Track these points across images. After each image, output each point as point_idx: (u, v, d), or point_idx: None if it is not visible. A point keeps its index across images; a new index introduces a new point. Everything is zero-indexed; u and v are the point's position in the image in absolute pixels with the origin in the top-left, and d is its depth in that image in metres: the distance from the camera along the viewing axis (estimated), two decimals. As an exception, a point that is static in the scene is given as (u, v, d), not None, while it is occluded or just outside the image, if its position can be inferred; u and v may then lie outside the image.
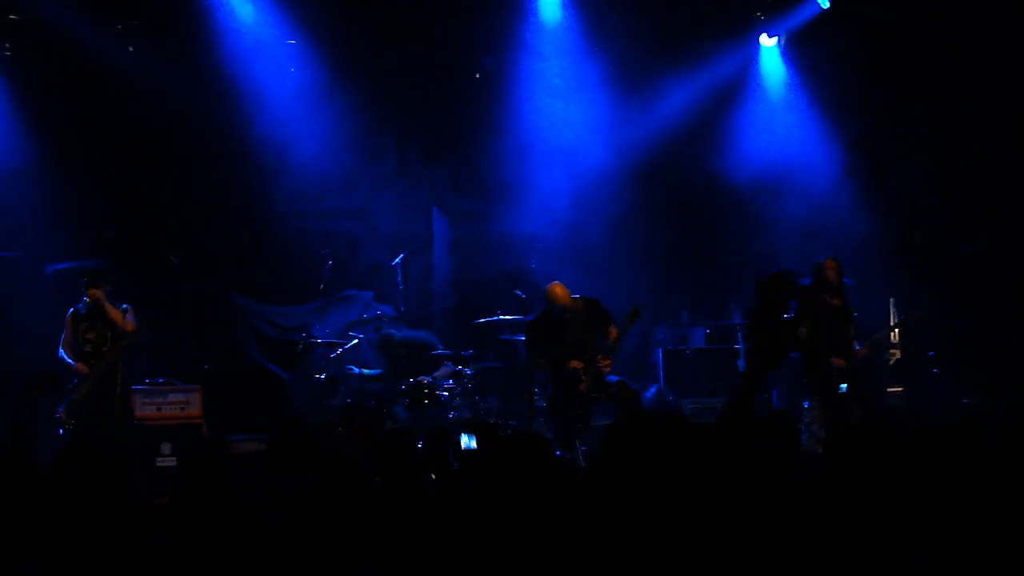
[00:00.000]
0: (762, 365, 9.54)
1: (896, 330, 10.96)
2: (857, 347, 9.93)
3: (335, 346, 10.97)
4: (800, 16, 12.69)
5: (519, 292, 10.52)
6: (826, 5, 12.24)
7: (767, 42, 13.05)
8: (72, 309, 9.71)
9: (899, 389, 11.26)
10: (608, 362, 9.65)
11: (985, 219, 12.03)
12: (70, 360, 9.53)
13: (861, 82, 12.73)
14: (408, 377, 10.64)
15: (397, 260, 11.87)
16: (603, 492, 3.75)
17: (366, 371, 11.20)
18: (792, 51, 13.05)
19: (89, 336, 9.57)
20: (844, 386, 9.78)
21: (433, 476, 9.43)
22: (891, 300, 11.51)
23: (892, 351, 11.35)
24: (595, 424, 10.04)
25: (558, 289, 9.78)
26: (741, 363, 11.99)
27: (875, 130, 12.85)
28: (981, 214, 12.06)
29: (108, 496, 4.33)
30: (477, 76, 12.67)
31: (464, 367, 10.79)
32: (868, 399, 9.96)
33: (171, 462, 9.72)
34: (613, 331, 9.80)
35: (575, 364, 9.61)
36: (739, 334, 12.31)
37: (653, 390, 11.68)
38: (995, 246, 11.86)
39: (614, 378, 9.75)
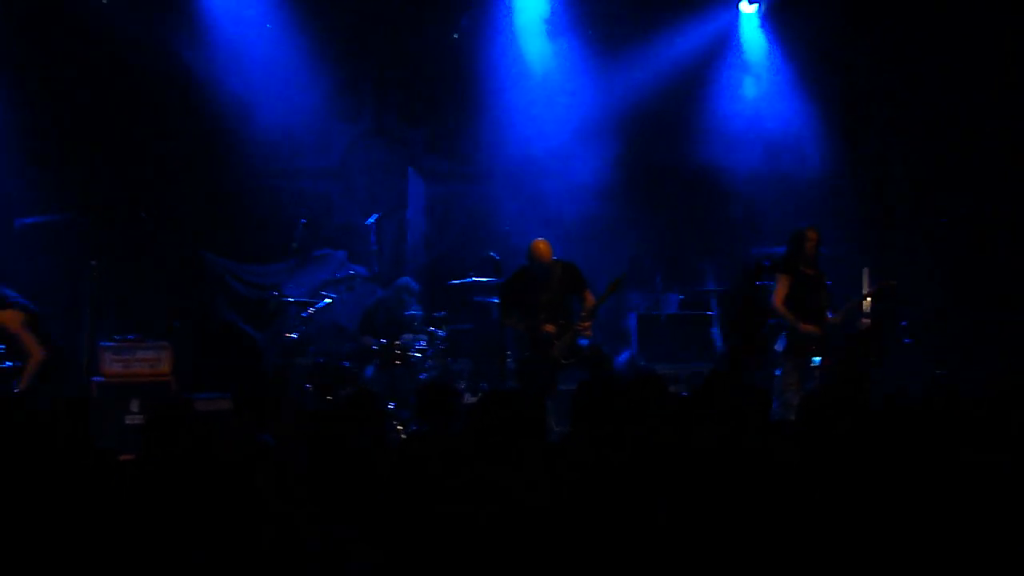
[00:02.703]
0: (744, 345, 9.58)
1: (869, 299, 10.96)
2: (830, 315, 9.96)
3: (307, 305, 10.88)
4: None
5: (493, 254, 10.42)
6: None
7: (747, 8, 13.00)
8: None
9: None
10: (587, 325, 9.59)
11: (962, 189, 12.04)
12: None
13: (840, 49, 12.72)
14: (381, 338, 10.58)
15: (371, 220, 11.78)
16: (578, 450, 3.74)
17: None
18: (772, 18, 13.00)
19: None
20: (817, 359, 9.84)
21: (403, 436, 9.43)
22: (864, 269, 11.52)
23: (864, 320, 11.36)
24: (562, 388, 10.04)
25: (541, 245, 9.66)
26: (716, 331, 12.01)
27: (853, 97, 12.85)
28: (959, 184, 12.07)
29: (71, 445, 4.30)
30: (456, 36, 12.55)
31: (436, 329, 10.73)
32: (841, 368, 10.01)
33: (140, 420, 9.62)
34: (589, 296, 9.74)
35: (548, 328, 9.55)
36: (713, 301, 12.34)
37: (626, 355, 11.67)
38: (970, 216, 11.88)
39: (586, 342, 9.72)
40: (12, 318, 9.05)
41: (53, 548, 3.96)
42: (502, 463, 3.96)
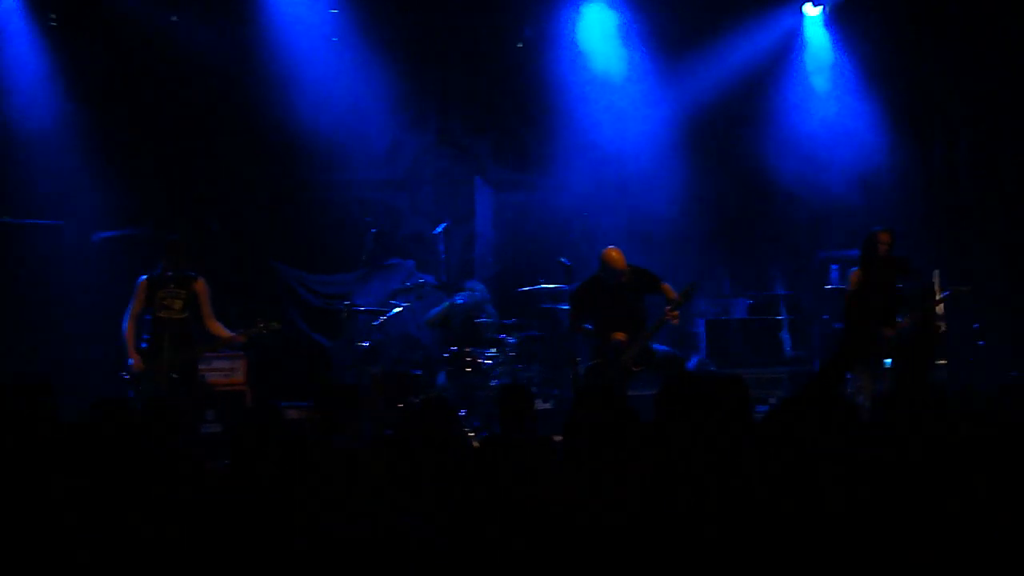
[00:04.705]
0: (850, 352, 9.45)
1: (941, 303, 10.86)
2: (899, 319, 9.85)
3: (378, 314, 10.98)
4: (845, -16, 12.61)
5: (564, 260, 10.39)
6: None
7: (811, 11, 12.94)
8: (145, 276, 9.17)
9: (943, 362, 11.18)
10: (676, 314, 9.48)
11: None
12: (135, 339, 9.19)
13: (906, 51, 12.58)
14: (453, 345, 10.64)
15: (439, 229, 11.86)
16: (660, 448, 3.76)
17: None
18: (836, 20, 12.92)
19: (168, 302, 9.09)
20: (888, 361, 9.76)
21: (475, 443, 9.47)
22: (935, 272, 11.41)
23: (937, 323, 11.25)
24: (633, 395, 10.03)
25: (614, 253, 9.56)
26: (785, 335, 11.94)
27: (921, 99, 12.70)
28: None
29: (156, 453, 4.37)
30: (519, 45, 12.62)
31: (507, 336, 10.76)
32: (912, 370, 9.91)
33: (215, 428, 9.75)
34: (668, 288, 9.65)
35: (619, 336, 9.49)
36: (782, 305, 12.27)
37: (695, 360, 11.64)
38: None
39: (661, 348, 9.68)
40: (204, 287, 9.30)
41: (144, 555, 4.03)
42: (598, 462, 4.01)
